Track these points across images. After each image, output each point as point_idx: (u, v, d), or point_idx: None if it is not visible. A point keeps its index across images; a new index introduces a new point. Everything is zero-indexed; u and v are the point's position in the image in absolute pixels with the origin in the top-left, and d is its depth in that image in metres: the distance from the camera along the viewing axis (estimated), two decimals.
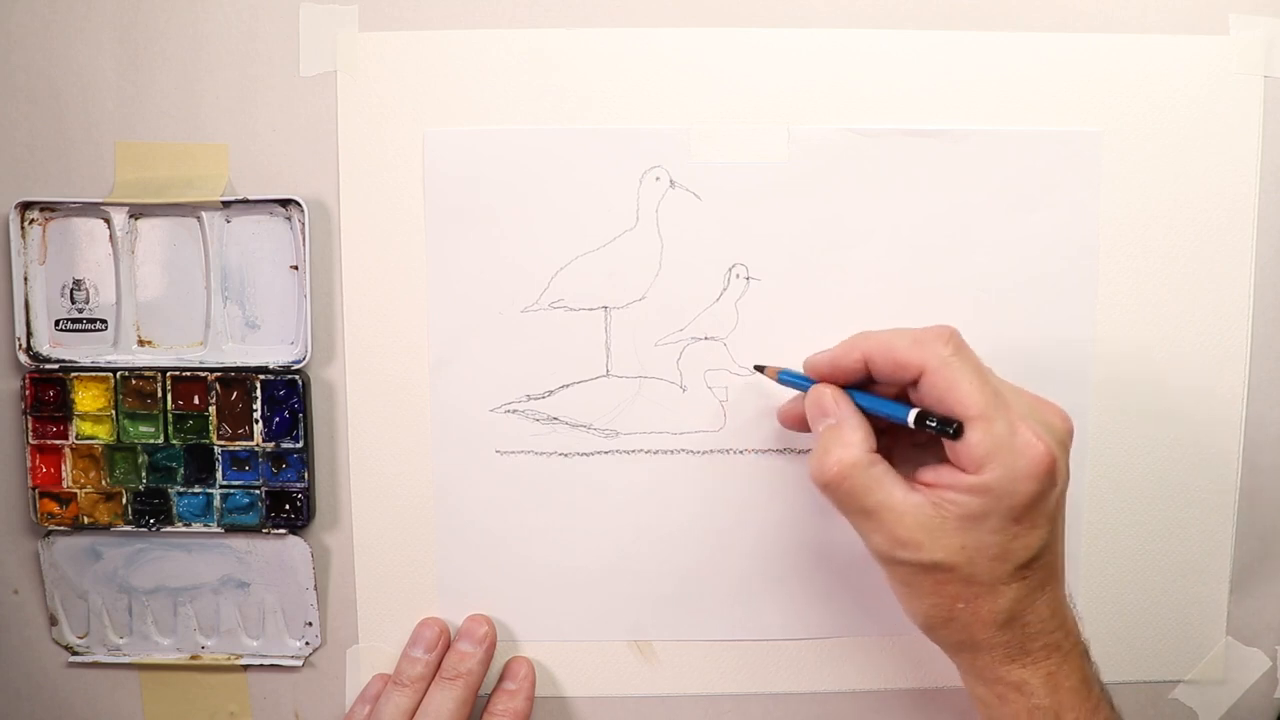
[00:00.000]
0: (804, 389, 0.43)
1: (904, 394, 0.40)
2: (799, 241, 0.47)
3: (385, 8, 0.46)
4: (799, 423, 0.44)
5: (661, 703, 0.50)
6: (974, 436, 0.36)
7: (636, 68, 0.46)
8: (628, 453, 0.48)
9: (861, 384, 0.41)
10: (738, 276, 0.47)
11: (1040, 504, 0.37)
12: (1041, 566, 0.38)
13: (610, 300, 0.47)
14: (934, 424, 0.37)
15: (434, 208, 0.47)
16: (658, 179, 0.46)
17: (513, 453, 0.48)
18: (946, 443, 0.37)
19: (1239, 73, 0.47)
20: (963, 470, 0.37)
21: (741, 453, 0.48)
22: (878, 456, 0.39)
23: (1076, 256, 0.47)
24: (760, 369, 0.46)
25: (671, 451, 0.48)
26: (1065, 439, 0.38)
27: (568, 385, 0.48)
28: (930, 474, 0.38)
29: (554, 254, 0.47)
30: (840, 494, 0.39)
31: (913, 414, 0.38)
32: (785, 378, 0.45)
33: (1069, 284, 0.47)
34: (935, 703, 0.50)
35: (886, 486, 0.38)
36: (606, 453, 0.48)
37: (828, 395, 0.41)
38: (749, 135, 0.47)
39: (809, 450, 0.47)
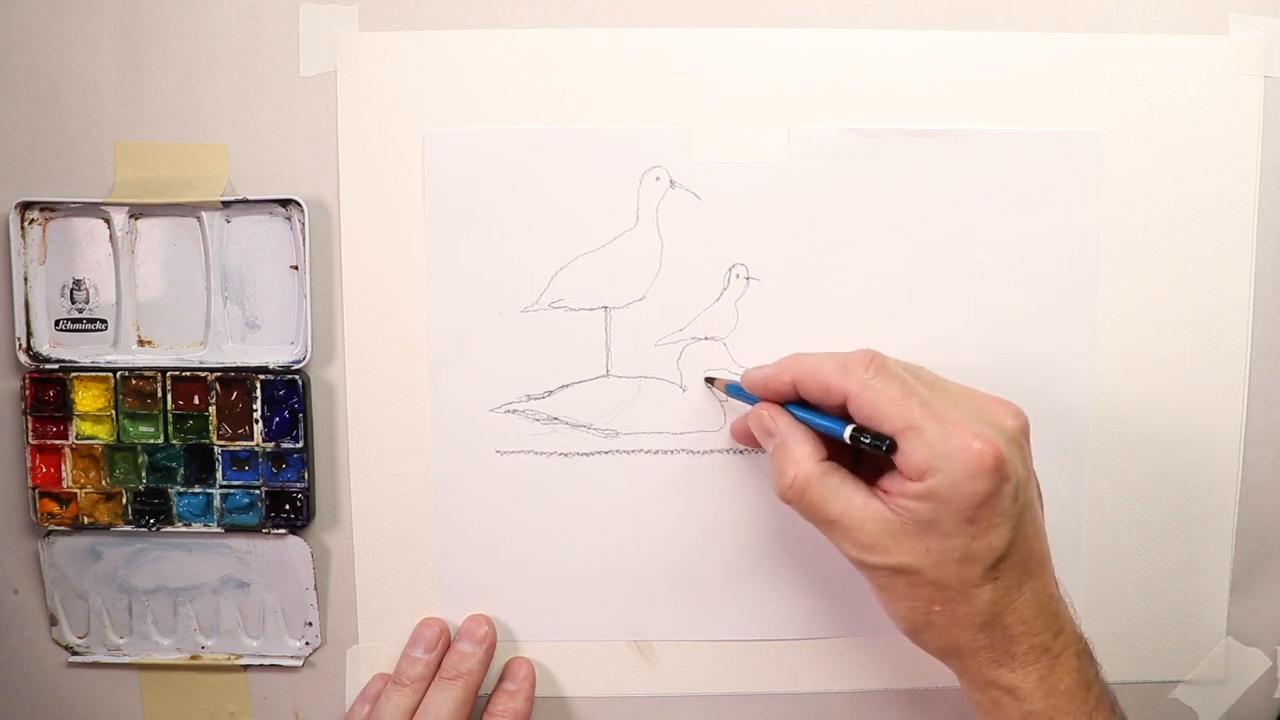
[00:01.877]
0: (750, 404, 0.44)
1: (845, 409, 0.40)
2: (799, 241, 0.47)
3: (385, 8, 0.46)
4: (748, 439, 0.45)
5: (661, 703, 0.50)
6: (907, 447, 0.37)
7: (636, 68, 0.46)
8: (628, 453, 0.48)
9: (803, 401, 0.42)
10: (738, 276, 0.47)
11: (993, 503, 0.36)
12: (1012, 566, 0.38)
13: (610, 300, 0.47)
14: (867, 441, 0.38)
15: (434, 208, 0.47)
16: (658, 179, 0.46)
17: (513, 453, 0.48)
18: (893, 457, 0.38)
19: (1239, 73, 0.47)
20: (909, 479, 0.37)
21: (741, 453, 0.48)
22: (832, 465, 0.40)
23: (1076, 256, 0.47)
24: (710, 381, 0.47)
25: (671, 451, 0.48)
26: (1016, 435, 0.38)
27: (568, 385, 0.48)
28: (887, 481, 0.38)
29: (554, 254, 0.47)
30: (802, 508, 0.40)
31: (848, 431, 0.39)
32: (732, 391, 0.46)
33: (1069, 284, 0.47)
34: (935, 703, 0.50)
35: (845, 495, 0.39)
36: (606, 453, 0.48)
37: (765, 416, 0.42)
38: (749, 135, 0.47)
39: None
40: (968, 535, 0.37)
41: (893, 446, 0.37)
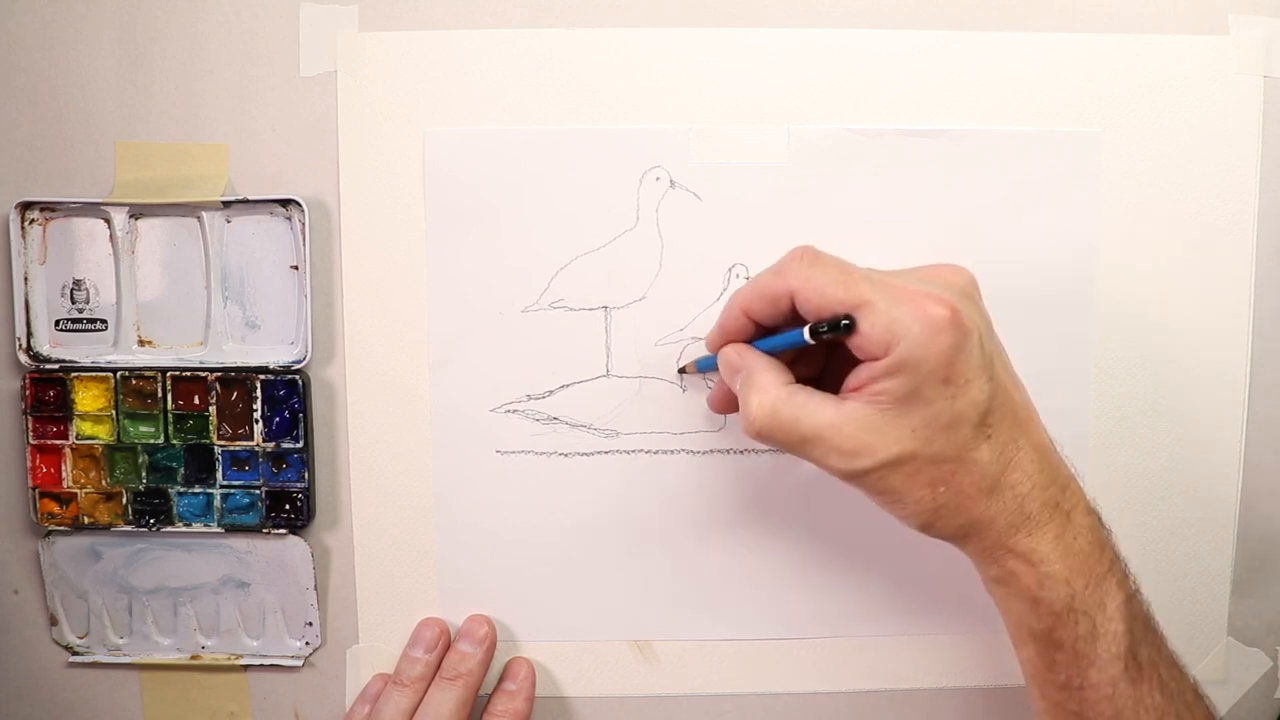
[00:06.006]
0: None
1: (797, 316, 0.39)
2: (799, 241, 0.47)
3: (385, 8, 0.46)
4: (728, 403, 0.44)
5: (661, 703, 0.50)
6: (864, 325, 0.36)
7: (636, 68, 0.46)
8: (628, 453, 0.48)
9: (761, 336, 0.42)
10: (738, 276, 0.47)
11: (961, 356, 0.36)
12: (1001, 418, 0.37)
13: (610, 300, 0.47)
14: (826, 329, 0.37)
15: (434, 208, 0.47)
16: (658, 179, 0.46)
17: (513, 453, 0.48)
18: (852, 344, 0.37)
19: (1239, 73, 0.47)
20: (875, 358, 0.36)
21: (741, 453, 0.48)
22: (797, 386, 0.39)
23: (1076, 256, 0.47)
24: (682, 370, 0.47)
25: (671, 451, 0.48)
26: (966, 288, 0.38)
27: (568, 385, 0.48)
28: (853, 379, 0.37)
29: (554, 254, 0.47)
30: (775, 434, 0.38)
31: (806, 330, 0.38)
32: (703, 365, 0.46)
33: (1069, 284, 0.47)
34: (935, 703, 0.50)
35: (814, 409, 0.38)
36: (606, 453, 0.48)
37: (731, 352, 0.41)
38: (749, 135, 0.47)
39: None
40: (948, 397, 0.36)
41: (852, 323, 0.36)
